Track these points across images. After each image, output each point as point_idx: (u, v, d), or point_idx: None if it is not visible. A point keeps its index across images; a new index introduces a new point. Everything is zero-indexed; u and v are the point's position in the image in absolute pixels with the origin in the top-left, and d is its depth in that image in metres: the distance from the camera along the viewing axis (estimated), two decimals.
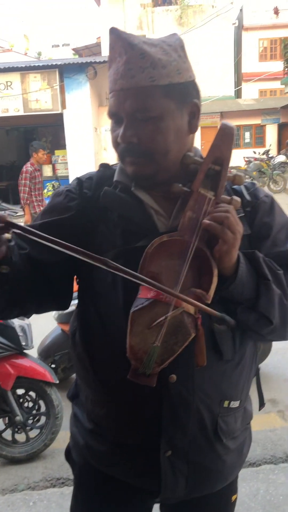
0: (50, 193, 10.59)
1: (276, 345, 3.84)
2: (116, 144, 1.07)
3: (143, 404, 1.06)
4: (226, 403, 1.11)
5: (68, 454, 1.29)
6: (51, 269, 1.09)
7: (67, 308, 1.20)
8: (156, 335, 0.90)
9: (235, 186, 1.15)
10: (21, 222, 7.56)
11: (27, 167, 7.40)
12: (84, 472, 1.24)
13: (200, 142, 24.12)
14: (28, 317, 1.23)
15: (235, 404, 1.14)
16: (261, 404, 1.33)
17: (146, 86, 0.98)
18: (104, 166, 1.19)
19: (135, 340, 0.90)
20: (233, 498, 1.30)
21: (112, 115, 1.06)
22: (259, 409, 1.34)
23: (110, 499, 1.21)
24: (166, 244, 0.97)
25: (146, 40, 1.01)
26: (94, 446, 1.17)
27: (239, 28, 27.14)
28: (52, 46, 40.92)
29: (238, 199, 1.03)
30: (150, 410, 1.06)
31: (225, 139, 1.04)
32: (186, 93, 1.04)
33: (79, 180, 1.15)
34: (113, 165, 1.18)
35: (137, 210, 1.08)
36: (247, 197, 1.14)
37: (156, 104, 1.00)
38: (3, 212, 0.89)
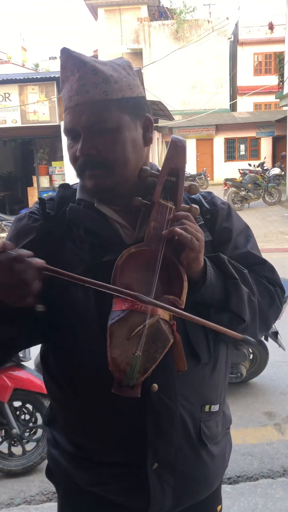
0: None
1: (272, 357, 3.86)
2: (74, 160, 1.09)
3: (126, 419, 1.05)
4: (207, 408, 1.13)
5: (50, 472, 1.26)
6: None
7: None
8: (136, 344, 0.90)
9: (193, 196, 1.19)
10: None
11: None
12: (69, 491, 1.22)
13: (195, 154, 24.33)
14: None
15: (215, 408, 1.16)
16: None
17: (101, 100, 1.02)
18: (63, 186, 1.21)
19: (115, 352, 0.90)
20: (218, 508, 1.30)
21: (68, 131, 1.08)
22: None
23: None
24: (134, 256, 1.00)
25: (96, 59, 1.05)
26: (78, 469, 1.14)
27: (235, 43, 27.52)
28: (50, 58, 41.22)
29: (196, 206, 1.07)
30: (133, 424, 1.05)
31: (178, 151, 1.09)
32: (139, 107, 1.09)
33: (41, 200, 1.17)
34: (72, 185, 1.21)
35: (103, 224, 1.10)
36: (206, 205, 1.19)
37: (112, 116, 1.03)
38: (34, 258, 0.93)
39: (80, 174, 1.10)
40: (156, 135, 22.13)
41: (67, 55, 1.04)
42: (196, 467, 1.13)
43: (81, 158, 1.05)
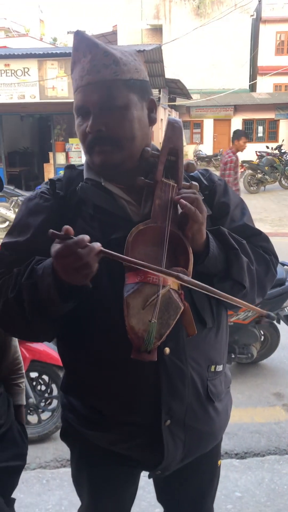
0: None
1: (283, 340, 3.91)
2: (84, 137, 1.16)
3: (142, 381, 1.14)
4: (213, 368, 1.24)
5: (65, 435, 1.34)
6: None
7: None
8: (151, 313, 0.99)
9: (192, 173, 1.27)
10: None
11: (231, 156, 7.00)
12: (84, 453, 1.32)
13: (212, 134, 24.03)
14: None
15: (219, 368, 1.27)
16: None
17: (111, 79, 1.10)
18: (70, 167, 1.28)
19: (133, 321, 0.99)
20: (219, 463, 1.44)
21: (79, 109, 1.15)
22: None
23: (112, 474, 1.31)
24: (142, 232, 1.08)
25: (106, 44, 1.14)
26: (95, 430, 1.22)
27: (257, 21, 26.85)
28: (68, 32, 40.67)
29: (196, 184, 1.16)
30: (148, 385, 1.14)
31: (176, 132, 1.16)
32: (145, 89, 1.17)
33: (51, 181, 1.24)
34: (78, 166, 1.28)
35: (111, 201, 1.17)
36: (204, 182, 1.27)
37: (121, 95, 1.11)
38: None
39: (89, 150, 1.16)
40: (173, 113, 21.87)
41: (81, 37, 1.12)
42: (204, 422, 1.24)
43: (91, 134, 1.13)
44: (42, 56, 11.81)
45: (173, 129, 1.16)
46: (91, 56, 1.10)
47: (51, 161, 13.75)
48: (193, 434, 1.22)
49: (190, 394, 1.19)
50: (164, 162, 1.14)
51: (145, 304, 0.99)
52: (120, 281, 1.03)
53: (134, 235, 1.06)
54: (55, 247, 0.99)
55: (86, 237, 0.97)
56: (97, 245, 0.97)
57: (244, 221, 1.29)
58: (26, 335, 1.21)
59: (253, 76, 26.78)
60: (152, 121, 1.20)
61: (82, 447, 1.32)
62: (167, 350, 1.13)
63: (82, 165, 1.26)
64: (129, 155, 1.15)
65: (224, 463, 2.55)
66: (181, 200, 1.05)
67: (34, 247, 1.14)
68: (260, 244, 1.30)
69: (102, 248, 0.98)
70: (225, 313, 1.30)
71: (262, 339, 3.86)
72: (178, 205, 1.08)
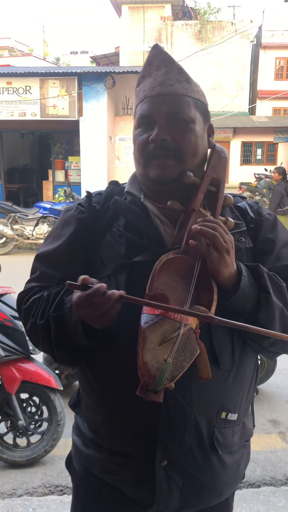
0: (61, 198, 10.63)
1: (279, 365, 3.84)
2: (144, 146, 1.11)
3: (141, 413, 1.07)
4: (223, 415, 1.12)
5: (69, 462, 1.32)
6: None
7: None
8: (168, 351, 0.91)
9: (239, 204, 1.22)
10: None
11: None
12: (84, 479, 1.25)
13: None
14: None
15: (233, 416, 1.15)
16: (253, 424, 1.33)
17: (182, 94, 1.10)
18: (113, 183, 1.26)
19: (148, 356, 0.91)
20: None
21: (144, 118, 1.12)
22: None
23: (107, 509, 1.22)
24: (170, 261, 1.01)
25: None
26: (93, 454, 1.18)
27: (257, 46, 27.34)
28: (71, 53, 41.34)
29: (232, 220, 1.10)
30: (147, 419, 1.07)
31: (221, 162, 1.12)
32: (207, 113, 1.17)
33: (88, 194, 1.22)
34: (122, 183, 1.25)
35: (144, 219, 1.13)
36: (251, 214, 1.20)
37: (189, 110, 1.11)
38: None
39: (147, 162, 1.12)
40: None
41: (158, 51, 1.14)
42: (206, 473, 1.13)
43: (153, 144, 1.09)
44: (44, 75, 11.96)
45: (219, 159, 1.11)
46: (165, 70, 1.11)
47: (50, 178, 13.84)
48: (193, 483, 1.12)
49: (192, 438, 1.09)
50: (204, 192, 1.08)
51: (162, 340, 0.92)
52: (135, 310, 0.98)
53: (163, 262, 1.00)
54: (75, 295, 0.98)
55: (103, 286, 0.95)
56: (117, 293, 0.95)
57: None
58: (53, 357, 1.19)
59: (252, 100, 27.14)
60: (210, 144, 1.16)
61: (80, 478, 1.26)
62: (172, 385, 1.02)
63: (125, 183, 1.23)
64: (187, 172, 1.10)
65: None
66: (191, 241, 1.00)
67: (64, 256, 1.15)
68: None
69: (123, 294, 0.94)
70: (252, 358, 1.18)
71: (258, 364, 3.78)
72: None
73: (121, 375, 1.06)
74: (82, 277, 0.95)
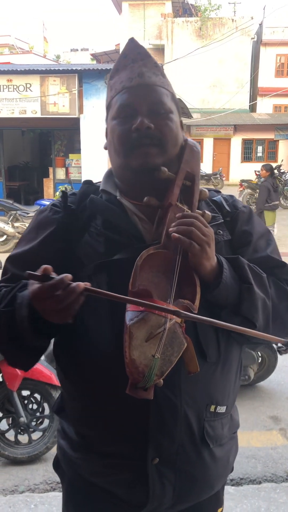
0: None
1: (280, 362, 3.85)
2: (126, 136, 1.10)
3: (130, 412, 1.05)
4: (212, 408, 1.12)
5: (57, 464, 1.29)
6: None
7: None
8: (155, 347, 0.90)
9: (215, 198, 1.22)
10: None
11: None
12: (74, 482, 1.24)
13: (212, 153, 24.21)
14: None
15: (221, 409, 1.15)
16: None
17: (161, 86, 1.12)
18: (87, 183, 1.24)
19: (135, 353, 0.90)
20: (219, 511, 1.30)
21: (124, 107, 1.10)
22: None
23: (98, 510, 1.20)
24: (151, 257, 1.00)
25: None
26: (83, 459, 1.16)
27: (258, 43, 27.27)
28: (71, 50, 41.28)
29: (209, 213, 1.10)
30: (137, 417, 1.06)
31: (194, 156, 1.12)
32: (179, 108, 1.18)
33: (63, 194, 1.19)
34: (96, 182, 1.24)
35: (122, 217, 1.12)
36: (227, 207, 1.21)
37: (168, 102, 1.12)
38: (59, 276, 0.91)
39: (129, 151, 1.10)
40: None
41: (134, 45, 1.14)
42: (197, 467, 1.13)
43: (136, 133, 1.08)
44: (44, 73, 11.94)
45: (191, 153, 1.11)
46: (142, 63, 1.11)
47: (51, 176, 13.82)
48: (185, 478, 1.11)
49: (183, 433, 1.08)
50: (180, 186, 1.08)
51: (149, 336, 0.91)
52: (118, 308, 0.96)
53: (143, 258, 0.99)
54: (33, 287, 0.93)
55: (68, 277, 0.91)
56: (81, 285, 0.90)
57: (267, 253, 1.20)
58: (5, 358, 1.15)
59: (253, 97, 27.09)
60: (183, 139, 1.17)
61: (71, 481, 1.24)
62: (161, 381, 1.00)
63: (100, 182, 1.22)
64: (168, 162, 1.09)
65: None
66: (173, 234, 0.99)
67: (38, 258, 1.08)
68: (285, 277, 1.20)
69: (88, 287, 0.90)
70: (237, 349, 1.19)
71: (259, 361, 3.80)
72: None
73: (108, 376, 1.04)
74: (43, 266, 0.91)
